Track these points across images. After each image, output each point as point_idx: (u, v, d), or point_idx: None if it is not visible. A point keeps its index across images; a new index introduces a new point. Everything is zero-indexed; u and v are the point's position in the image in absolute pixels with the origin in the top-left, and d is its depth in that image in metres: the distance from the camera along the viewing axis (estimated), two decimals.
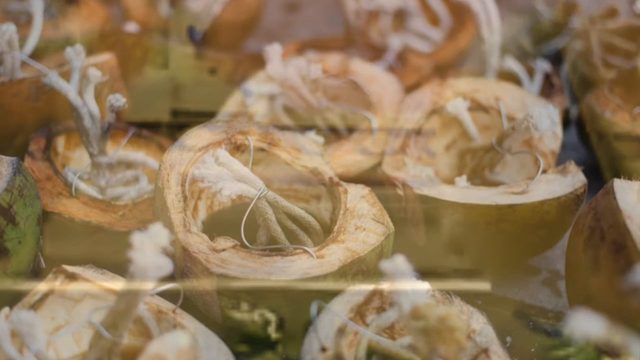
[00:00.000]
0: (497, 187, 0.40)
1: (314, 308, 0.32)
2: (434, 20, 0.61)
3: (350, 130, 0.46)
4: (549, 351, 0.35)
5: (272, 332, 0.34)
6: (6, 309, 0.32)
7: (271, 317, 0.34)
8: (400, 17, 0.60)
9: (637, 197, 0.34)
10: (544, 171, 0.40)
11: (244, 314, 0.33)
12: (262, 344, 0.34)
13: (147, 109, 0.49)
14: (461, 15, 0.60)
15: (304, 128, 0.45)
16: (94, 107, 0.41)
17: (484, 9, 0.49)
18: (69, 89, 0.41)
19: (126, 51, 0.50)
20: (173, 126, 0.48)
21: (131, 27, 0.55)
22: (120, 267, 0.30)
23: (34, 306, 0.32)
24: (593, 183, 0.41)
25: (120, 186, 0.43)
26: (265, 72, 0.46)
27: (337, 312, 0.32)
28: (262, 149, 0.40)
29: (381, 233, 0.36)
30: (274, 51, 0.46)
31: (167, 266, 0.27)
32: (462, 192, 0.39)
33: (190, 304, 0.35)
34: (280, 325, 0.34)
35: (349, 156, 0.43)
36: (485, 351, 0.32)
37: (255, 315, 0.34)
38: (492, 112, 0.44)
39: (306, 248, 0.35)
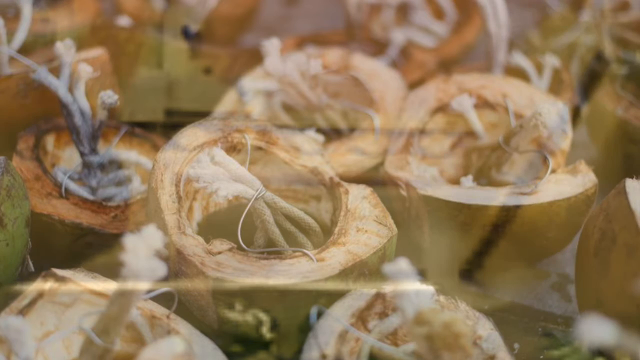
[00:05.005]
0: (505, 188, 0.39)
1: (313, 313, 0.31)
2: (438, 13, 0.61)
3: (352, 128, 0.46)
4: (544, 351, 0.34)
5: (271, 339, 0.33)
6: None
7: (269, 322, 0.33)
8: (403, 10, 0.59)
9: None
10: (553, 171, 0.39)
11: (240, 319, 0.32)
12: (260, 350, 0.33)
13: (140, 106, 0.48)
14: (467, 9, 0.59)
15: (303, 126, 0.43)
16: (84, 104, 0.40)
17: (490, 2, 0.48)
18: (59, 85, 0.40)
19: (118, 46, 0.49)
20: (167, 125, 0.47)
21: (123, 21, 0.54)
22: (112, 271, 0.29)
23: (23, 311, 0.31)
24: (604, 183, 0.40)
25: (112, 186, 0.42)
26: (263, 68, 0.45)
27: (337, 318, 0.31)
28: (259, 148, 0.39)
29: (384, 235, 0.35)
30: (272, 46, 0.44)
31: (160, 270, 0.26)
32: (468, 193, 0.38)
33: (184, 309, 0.34)
34: (279, 331, 0.33)
35: (350, 155, 0.43)
36: (492, 358, 0.31)
37: (253, 321, 0.33)
38: (499, 110, 0.44)
39: (306, 251, 0.34)
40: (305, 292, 0.32)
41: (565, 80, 0.49)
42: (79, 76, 0.40)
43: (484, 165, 0.42)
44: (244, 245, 0.34)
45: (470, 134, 0.43)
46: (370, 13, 0.57)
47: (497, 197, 0.37)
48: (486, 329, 0.32)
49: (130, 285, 0.26)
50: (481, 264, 0.40)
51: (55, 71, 0.41)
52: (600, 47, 0.52)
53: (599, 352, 0.29)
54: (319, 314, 0.31)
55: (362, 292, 0.33)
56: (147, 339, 0.32)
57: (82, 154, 0.41)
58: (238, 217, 0.34)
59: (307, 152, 0.39)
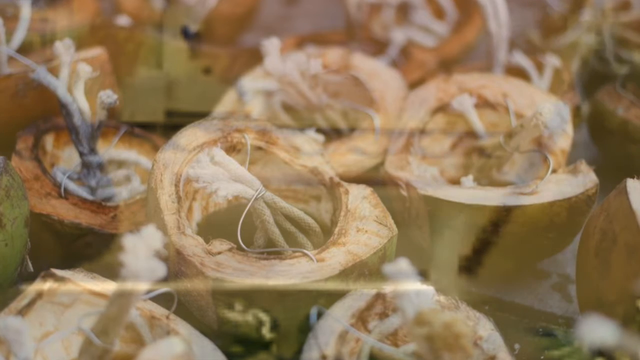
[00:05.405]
0: (505, 188, 0.38)
1: (313, 313, 0.31)
2: (439, 13, 0.61)
3: (352, 128, 0.45)
4: (545, 352, 0.34)
5: (270, 339, 0.33)
6: None
7: (269, 323, 0.32)
8: (403, 9, 0.59)
9: None
10: (554, 171, 0.39)
11: (240, 320, 0.32)
12: (260, 351, 0.33)
13: (140, 106, 0.48)
14: (467, 8, 0.59)
15: (303, 126, 0.43)
16: (84, 103, 0.40)
17: (491, 2, 0.48)
18: (58, 85, 0.40)
19: (118, 46, 0.49)
20: (166, 125, 0.46)
21: (123, 20, 0.54)
22: (112, 271, 0.29)
23: (22, 312, 0.31)
24: (605, 183, 0.39)
25: (111, 186, 0.42)
26: (263, 67, 0.45)
27: (337, 318, 0.31)
28: (259, 148, 0.39)
29: (384, 235, 0.35)
30: (272, 46, 0.44)
31: (160, 270, 0.26)
32: (468, 193, 0.38)
33: (184, 309, 0.34)
34: (279, 332, 0.33)
35: (350, 155, 0.42)
36: (493, 359, 0.31)
37: (253, 321, 0.32)
38: (499, 109, 0.43)
39: (305, 251, 0.34)
40: (305, 292, 0.32)
41: (566, 79, 0.49)
42: (78, 76, 0.40)
43: (485, 165, 0.42)
44: (243, 246, 0.34)
45: (471, 133, 0.43)
46: (370, 12, 0.57)
47: (497, 197, 0.37)
48: (487, 330, 0.32)
49: (129, 285, 0.26)
50: (482, 264, 0.40)
51: (55, 71, 0.40)
52: (601, 47, 0.52)
53: (600, 352, 0.29)
54: (319, 315, 0.31)
55: (362, 292, 0.33)
56: (147, 340, 0.32)
57: (81, 154, 0.41)
58: (238, 217, 0.34)
59: (307, 152, 0.39)
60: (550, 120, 0.37)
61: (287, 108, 0.46)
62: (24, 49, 0.46)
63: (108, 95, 0.39)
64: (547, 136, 0.41)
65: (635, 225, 0.31)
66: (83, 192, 0.40)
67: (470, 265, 0.40)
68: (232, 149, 0.38)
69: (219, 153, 0.35)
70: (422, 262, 0.34)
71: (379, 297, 0.32)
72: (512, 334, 0.35)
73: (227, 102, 0.46)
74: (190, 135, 0.37)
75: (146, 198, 0.37)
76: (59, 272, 0.32)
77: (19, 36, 0.46)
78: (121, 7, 0.60)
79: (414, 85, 0.47)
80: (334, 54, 0.48)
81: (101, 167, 0.41)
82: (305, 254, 0.33)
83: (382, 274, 0.27)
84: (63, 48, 0.41)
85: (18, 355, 0.28)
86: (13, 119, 0.41)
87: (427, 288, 0.30)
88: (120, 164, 0.43)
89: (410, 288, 0.26)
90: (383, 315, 0.32)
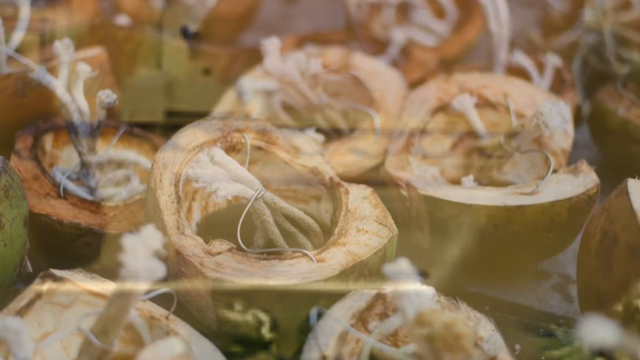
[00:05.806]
0: (506, 188, 0.38)
1: (313, 314, 0.31)
2: (439, 12, 0.61)
3: (352, 128, 0.45)
4: (545, 352, 0.34)
5: (270, 339, 0.33)
6: None
7: (269, 323, 0.32)
8: (404, 9, 0.59)
9: None
10: (555, 171, 0.39)
11: (240, 320, 0.32)
12: (260, 351, 0.33)
13: (139, 106, 0.48)
14: (468, 8, 0.59)
15: (303, 126, 0.43)
16: (83, 103, 0.40)
17: (491, 1, 0.48)
18: (57, 85, 0.40)
19: (117, 45, 0.49)
20: (166, 125, 0.46)
21: (122, 20, 0.54)
22: (111, 271, 0.29)
23: (21, 312, 0.31)
24: (606, 183, 0.39)
25: (110, 186, 0.42)
26: (263, 67, 0.45)
27: (337, 319, 0.31)
28: (259, 148, 0.39)
29: (384, 235, 0.34)
30: (272, 45, 0.44)
31: (159, 270, 0.26)
32: (469, 193, 0.38)
33: (184, 309, 0.34)
34: (279, 332, 0.33)
35: (350, 155, 0.42)
36: (493, 359, 0.31)
37: (252, 322, 0.32)
38: (500, 109, 0.43)
39: (305, 251, 0.34)
40: (305, 292, 0.32)
41: (566, 79, 0.49)
42: (78, 75, 0.40)
43: (485, 165, 0.42)
44: (243, 246, 0.34)
45: (471, 133, 0.43)
46: (370, 12, 0.57)
47: (498, 197, 0.37)
48: (487, 330, 0.32)
49: (129, 286, 0.26)
50: (482, 264, 0.40)
51: (54, 70, 0.40)
52: (601, 47, 0.51)
53: (600, 352, 0.29)
54: (319, 315, 0.31)
55: (362, 292, 0.33)
56: (146, 340, 0.32)
57: (80, 154, 0.41)
58: (237, 217, 0.34)
59: (307, 152, 0.39)
60: (551, 120, 0.37)
61: (287, 108, 0.46)
62: (23, 48, 0.46)
63: (107, 95, 0.39)
64: (547, 136, 0.41)
65: (636, 226, 0.31)
66: (82, 192, 0.40)
67: (470, 266, 0.40)
68: (231, 149, 0.38)
69: (218, 153, 0.35)
70: (422, 262, 0.34)
71: (379, 297, 0.32)
72: (512, 334, 0.35)
73: (226, 102, 0.46)
74: (189, 135, 0.37)
75: (145, 198, 0.37)
76: (58, 273, 0.32)
77: (18, 36, 0.46)
78: (121, 7, 0.60)
79: (414, 85, 0.47)
80: (334, 54, 0.48)
81: (100, 167, 0.41)
82: (305, 254, 0.33)
83: (382, 274, 0.27)
84: (62, 48, 0.41)
85: (17, 356, 0.28)
86: (12, 119, 0.41)
87: (427, 288, 0.30)
88: (120, 164, 0.43)
89: (411, 288, 0.26)
90: (383, 316, 0.32)
